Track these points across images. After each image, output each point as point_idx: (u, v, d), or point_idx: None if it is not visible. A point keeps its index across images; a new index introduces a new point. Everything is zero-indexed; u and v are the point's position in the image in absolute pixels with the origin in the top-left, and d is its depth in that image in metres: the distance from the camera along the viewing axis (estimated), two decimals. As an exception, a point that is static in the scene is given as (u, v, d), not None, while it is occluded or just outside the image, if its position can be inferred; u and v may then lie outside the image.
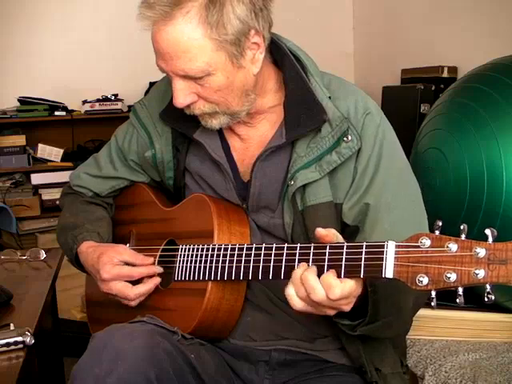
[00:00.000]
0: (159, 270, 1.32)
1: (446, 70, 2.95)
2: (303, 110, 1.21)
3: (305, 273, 1.03)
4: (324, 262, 1.03)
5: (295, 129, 1.21)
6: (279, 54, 1.25)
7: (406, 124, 2.77)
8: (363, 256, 0.99)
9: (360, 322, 1.11)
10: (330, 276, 1.01)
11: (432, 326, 1.80)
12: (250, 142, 1.29)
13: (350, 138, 1.18)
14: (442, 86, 2.81)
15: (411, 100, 2.91)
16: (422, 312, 1.78)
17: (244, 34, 1.13)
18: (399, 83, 3.30)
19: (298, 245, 1.08)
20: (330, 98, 1.21)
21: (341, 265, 1.01)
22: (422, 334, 1.80)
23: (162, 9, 1.10)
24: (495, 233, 0.88)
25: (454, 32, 3.03)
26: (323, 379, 1.26)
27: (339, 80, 1.28)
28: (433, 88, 2.86)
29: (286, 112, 1.23)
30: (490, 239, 0.88)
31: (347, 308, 1.04)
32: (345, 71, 3.99)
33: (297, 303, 1.05)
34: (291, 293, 1.05)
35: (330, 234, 1.06)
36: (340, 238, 1.07)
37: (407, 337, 1.67)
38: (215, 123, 1.22)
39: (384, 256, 0.96)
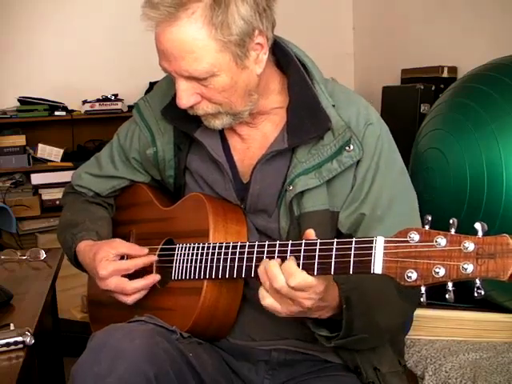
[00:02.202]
0: (154, 257, 1.32)
1: (445, 70, 2.95)
2: (307, 116, 1.21)
3: (269, 263, 1.05)
4: (314, 258, 1.03)
5: (298, 135, 1.21)
6: (285, 59, 1.25)
7: (405, 124, 2.77)
8: (352, 252, 0.99)
9: (335, 336, 1.12)
10: (291, 263, 1.03)
11: (432, 326, 1.80)
12: (251, 143, 1.29)
13: (352, 147, 1.19)
14: (442, 85, 2.80)
15: (411, 100, 2.91)
16: (422, 312, 1.78)
17: (248, 35, 1.13)
18: (399, 83, 3.30)
19: (290, 242, 1.08)
20: (333, 106, 1.22)
21: (330, 262, 1.01)
22: (421, 334, 1.80)
23: (166, 9, 1.09)
24: (485, 227, 0.86)
25: (454, 32, 3.03)
26: (323, 379, 1.26)
27: (342, 88, 1.29)
28: (433, 88, 2.86)
29: (290, 116, 1.23)
30: (480, 233, 0.86)
31: (308, 303, 1.04)
32: (345, 71, 4.00)
33: (265, 296, 1.06)
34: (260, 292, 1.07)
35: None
36: None
37: (407, 337, 1.67)
38: (218, 123, 1.22)
39: (373, 252, 0.95)
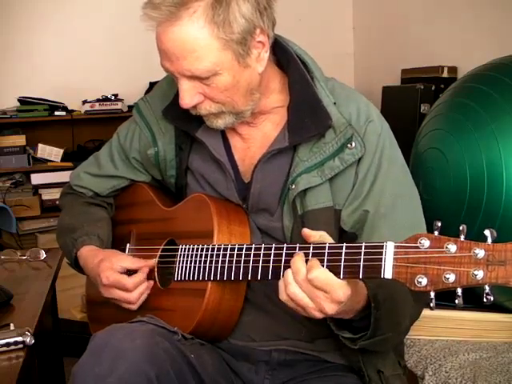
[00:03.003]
0: (152, 262, 1.32)
1: (445, 70, 2.95)
2: (308, 115, 1.21)
3: (295, 256, 1.03)
4: (323, 262, 1.02)
5: (299, 133, 1.21)
6: (285, 57, 1.25)
7: (405, 124, 2.77)
8: (362, 257, 0.99)
9: (362, 336, 1.10)
10: (314, 261, 1.01)
11: (432, 326, 1.80)
12: (252, 142, 1.29)
13: (353, 144, 1.18)
14: (442, 85, 2.81)
15: (411, 100, 2.91)
16: (422, 312, 1.78)
17: (250, 33, 1.13)
18: (399, 83, 3.31)
19: (298, 245, 1.08)
20: (334, 103, 1.22)
21: (340, 265, 1.01)
22: (421, 334, 1.80)
23: (167, 9, 1.09)
24: (494, 233, 0.88)
25: (454, 32, 3.03)
26: (323, 379, 1.25)
27: (342, 86, 1.28)
28: (433, 88, 2.87)
29: (290, 115, 1.23)
30: (490, 240, 0.87)
31: (329, 308, 1.01)
32: (345, 71, 4.00)
33: (284, 289, 1.03)
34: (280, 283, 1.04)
35: (314, 235, 1.06)
36: (329, 240, 1.07)
37: (407, 337, 1.67)
38: (220, 123, 1.22)
39: (383, 257, 0.96)
